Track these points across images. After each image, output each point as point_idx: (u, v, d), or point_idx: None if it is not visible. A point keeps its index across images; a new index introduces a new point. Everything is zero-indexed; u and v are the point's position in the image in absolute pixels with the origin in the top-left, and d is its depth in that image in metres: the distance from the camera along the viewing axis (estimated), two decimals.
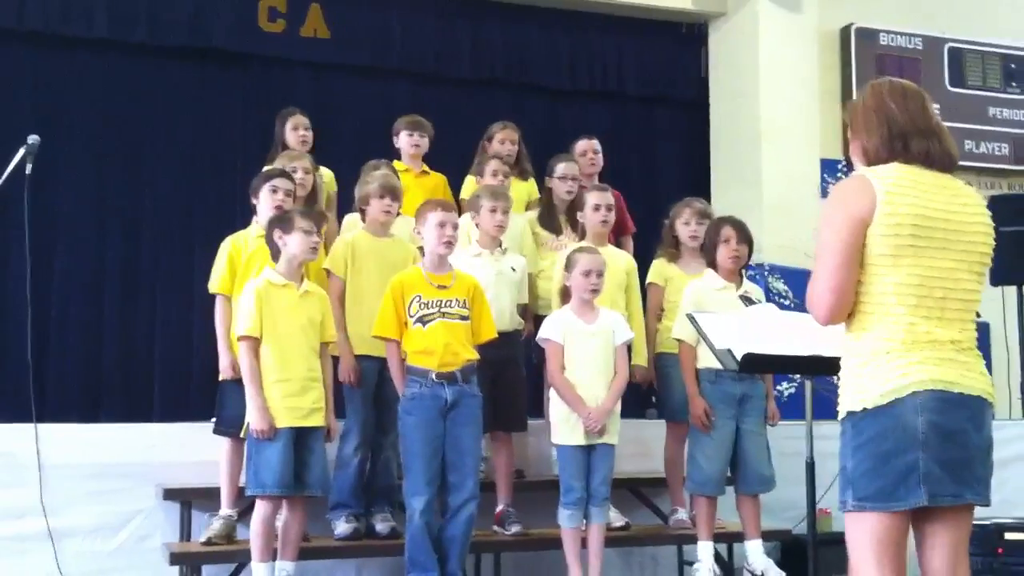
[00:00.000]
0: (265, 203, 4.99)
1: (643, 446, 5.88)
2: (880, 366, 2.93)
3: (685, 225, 5.52)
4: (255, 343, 4.56)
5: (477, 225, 5.27)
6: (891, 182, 2.96)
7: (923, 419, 2.86)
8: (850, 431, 2.97)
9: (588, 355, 4.88)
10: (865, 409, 2.93)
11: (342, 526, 5.00)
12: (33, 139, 5.11)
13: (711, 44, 8.94)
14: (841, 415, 3.02)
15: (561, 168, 5.95)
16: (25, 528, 5.07)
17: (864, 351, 2.97)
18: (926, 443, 2.85)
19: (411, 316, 4.70)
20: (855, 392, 2.97)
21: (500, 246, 5.32)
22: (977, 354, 3.01)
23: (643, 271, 5.66)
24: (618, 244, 5.95)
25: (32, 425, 5.20)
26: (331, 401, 4.72)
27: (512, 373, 5.30)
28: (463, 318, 4.76)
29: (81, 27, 7.43)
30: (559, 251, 5.54)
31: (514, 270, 5.36)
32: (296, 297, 4.65)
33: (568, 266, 4.99)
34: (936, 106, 3.19)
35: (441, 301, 4.72)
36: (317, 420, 4.59)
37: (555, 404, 4.92)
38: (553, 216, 5.95)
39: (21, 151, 5.07)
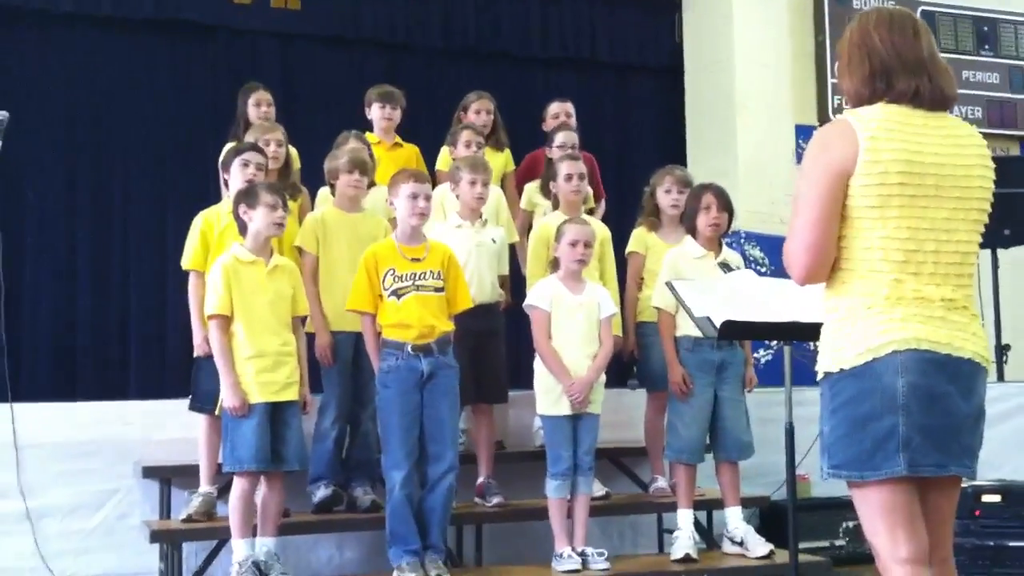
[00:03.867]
0: (236, 177, 4.93)
1: (623, 415, 5.86)
2: (858, 323, 2.69)
3: (666, 193, 5.46)
4: (225, 321, 4.51)
5: (457, 197, 5.23)
6: (875, 125, 2.68)
7: (904, 381, 2.62)
8: (827, 393, 2.75)
9: (573, 326, 4.85)
10: (842, 370, 2.70)
11: (321, 491, 4.98)
12: (3, 115, 5.02)
13: (685, 11, 8.91)
14: (819, 376, 2.79)
15: (560, 138, 5.95)
16: (3, 509, 5.04)
17: (843, 308, 2.73)
18: (907, 407, 2.61)
19: (385, 289, 4.65)
20: (832, 352, 2.74)
21: (480, 218, 5.29)
22: (973, 314, 2.74)
23: (617, 239, 5.62)
24: (589, 210, 5.90)
25: (8, 405, 5.16)
26: (305, 374, 4.69)
27: (492, 345, 5.27)
28: (438, 290, 4.71)
29: (46, 0, 7.33)
30: None
31: (494, 241, 5.32)
32: (264, 272, 4.59)
33: (556, 236, 4.96)
34: None
35: (415, 274, 4.67)
36: (292, 394, 4.56)
37: (540, 375, 4.91)
38: None
39: None
